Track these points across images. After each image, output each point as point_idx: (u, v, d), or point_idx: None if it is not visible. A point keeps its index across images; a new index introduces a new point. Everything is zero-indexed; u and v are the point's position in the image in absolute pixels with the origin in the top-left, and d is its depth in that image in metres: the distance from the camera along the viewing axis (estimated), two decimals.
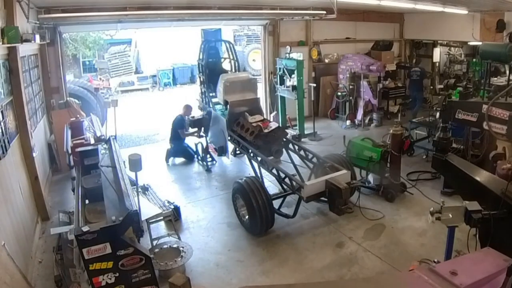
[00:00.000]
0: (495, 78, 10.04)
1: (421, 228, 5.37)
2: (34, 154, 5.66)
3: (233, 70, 8.39)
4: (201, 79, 8.32)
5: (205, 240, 5.36)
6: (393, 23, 12.65)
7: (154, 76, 19.06)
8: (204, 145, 8.05)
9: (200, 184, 7.31)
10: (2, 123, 4.47)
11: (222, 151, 7.41)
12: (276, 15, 9.80)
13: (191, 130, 8.16)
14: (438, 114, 6.03)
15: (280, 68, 9.96)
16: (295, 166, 6.52)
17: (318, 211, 6.00)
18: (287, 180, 5.52)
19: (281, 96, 10.22)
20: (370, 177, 6.43)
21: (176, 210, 5.65)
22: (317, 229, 5.56)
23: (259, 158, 6.13)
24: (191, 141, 8.52)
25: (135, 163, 3.73)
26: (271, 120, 9.15)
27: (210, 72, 7.95)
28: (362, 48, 11.96)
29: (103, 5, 7.57)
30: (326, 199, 5.41)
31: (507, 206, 3.00)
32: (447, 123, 4.39)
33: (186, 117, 8.16)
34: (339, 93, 10.91)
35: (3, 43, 4.62)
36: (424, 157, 7.96)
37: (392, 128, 6.34)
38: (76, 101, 8.66)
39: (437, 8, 9.03)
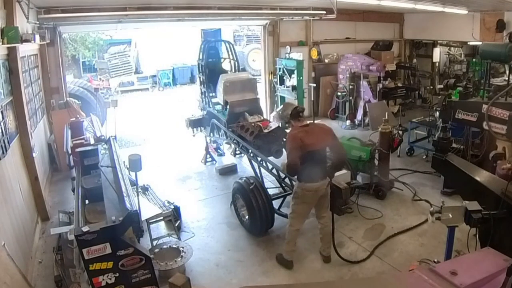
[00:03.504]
0: None
1: (421, 228, 5.37)
2: (34, 154, 5.66)
3: (233, 70, 8.38)
4: (201, 79, 8.31)
5: (205, 240, 5.36)
6: (393, 23, 12.66)
7: (154, 76, 19.04)
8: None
9: (200, 184, 7.31)
10: (2, 123, 4.47)
11: None
12: (276, 15, 9.80)
13: None
14: (438, 114, 6.06)
15: (280, 68, 9.97)
16: None
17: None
18: (287, 180, 5.52)
19: (281, 96, 10.22)
20: (359, 176, 6.45)
21: (176, 210, 5.64)
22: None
23: (259, 158, 6.13)
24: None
25: (135, 163, 3.73)
26: (271, 120, 9.16)
27: (210, 72, 7.94)
28: (362, 48, 11.96)
29: (103, 5, 7.56)
30: None
31: (507, 206, 3.00)
32: (447, 123, 4.39)
33: None
34: (339, 93, 10.91)
35: (3, 43, 4.62)
36: (424, 157, 7.96)
37: (380, 126, 6.38)
38: (76, 101, 8.66)
39: (437, 8, 9.03)
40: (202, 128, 8.31)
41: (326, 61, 11.62)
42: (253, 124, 6.70)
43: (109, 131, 5.96)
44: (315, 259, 4.84)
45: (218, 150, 8.59)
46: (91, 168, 4.91)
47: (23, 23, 5.77)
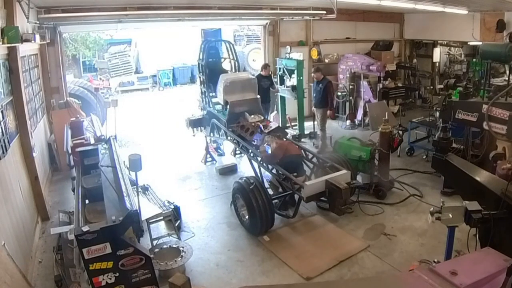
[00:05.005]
0: None
1: (421, 228, 5.37)
2: (34, 154, 5.67)
3: (233, 70, 8.38)
4: (201, 79, 8.31)
5: (205, 240, 5.36)
6: (393, 23, 12.66)
7: (154, 76, 19.04)
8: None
9: (200, 184, 7.31)
10: (2, 123, 4.47)
11: None
12: (276, 15, 9.80)
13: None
14: (438, 114, 6.06)
15: (280, 68, 9.96)
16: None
17: (318, 211, 6.00)
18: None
19: (281, 96, 10.22)
20: (359, 176, 6.46)
21: (176, 210, 5.64)
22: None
23: (259, 158, 6.13)
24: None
25: (135, 163, 3.73)
26: (271, 120, 9.15)
27: (210, 72, 7.94)
28: (362, 48, 11.96)
29: (103, 5, 7.56)
30: (326, 199, 5.42)
31: (507, 206, 3.00)
32: (447, 123, 4.39)
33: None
34: (339, 93, 10.90)
35: (3, 43, 4.62)
36: (424, 157, 7.97)
37: (380, 126, 6.38)
38: (76, 101, 8.66)
39: (437, 8, 9.03)
40: (202, 128, 8.31)
41: (326, 61, 11.61)
42: (253, 124, 6.70)
43: (109, 131, 5.95)
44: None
45: (218, 150, 8.59)
46: (91, 168, 4.91)
47: (23, 23, 5.77)
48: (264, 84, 8.64)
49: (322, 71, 8.95)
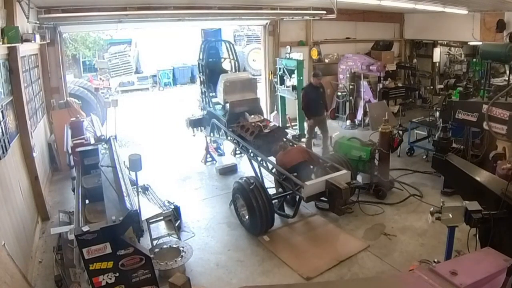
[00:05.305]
0: None
1: (421, 228, 5.37)
2: (34, 154, 5.67)
3: (233, 70, 8.39)
4: (201, 79, 8.32)
5: (205, 240, 5.36)
6: (393, 23, 12.66)
7: (154, 76, 19.05)
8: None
9: (200, 184, 7.31)
10: (2, 123, 4.47)
11: None
12: (276, 15, 9.79)
13: None
14: (438, 114, 6.07)
15: (280, 68, 9.96)
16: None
17: (318, 211, 6.00)
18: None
19: (281, 96, 10.23)
20: (359, 176, 6.46)
21: (176, 210, 5.64)
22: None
23: (259, 158, 6.13)
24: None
25: (135, 163, 3.73)
26: (271, 120, 9.15)
27: (210, 72, 7.94)
28: (362, 48, 11.96)
29: (103, 5, 7.56)
30: (326, 199, 5.42)
31: (507, 206, 3.00)
32: (447, 123, 4.40)
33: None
34: (339, 93, 10.92)
35: (3, 43, 4.62)
36: (424, 157, 7.97)
37: (380, 126, 6.38)
38: (76, 101, 8.66)
39: (437, 8, 9.03)
40: (202, 128, 8.32)
41: (326, 61, 11.61)
42: (253, 124, 6.70)
43: (109, 131, 5.96)
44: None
45: (218, 150, 8.59)
46: (91, 167, 4.91)
47: (24, 23, 5.77)
48: None
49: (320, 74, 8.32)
